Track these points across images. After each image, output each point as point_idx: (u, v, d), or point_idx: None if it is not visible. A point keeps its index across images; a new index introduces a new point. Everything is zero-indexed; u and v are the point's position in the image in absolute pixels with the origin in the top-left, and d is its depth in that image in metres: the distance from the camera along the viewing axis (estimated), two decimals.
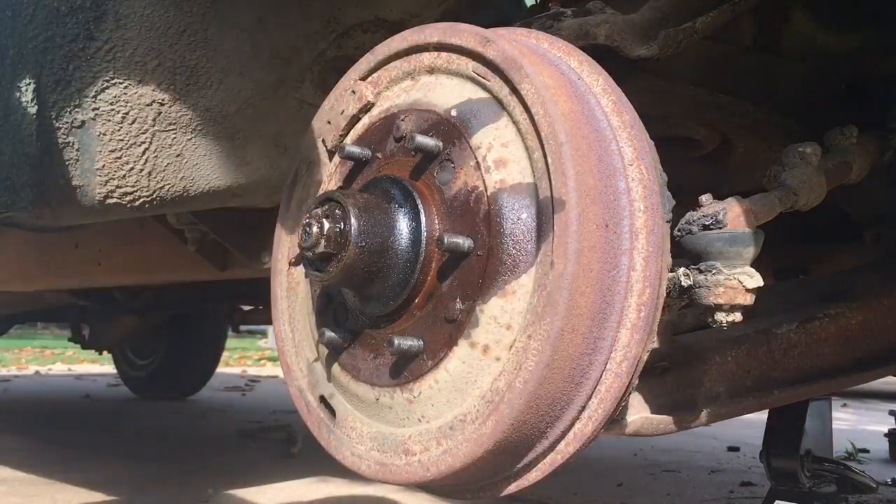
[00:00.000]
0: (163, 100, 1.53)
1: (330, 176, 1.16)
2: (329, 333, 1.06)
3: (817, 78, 1.57)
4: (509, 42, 0.98)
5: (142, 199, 1.59)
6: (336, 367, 1.08)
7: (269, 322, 1.21)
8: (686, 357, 1.22)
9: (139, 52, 1.47)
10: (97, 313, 4.97)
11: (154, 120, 1.54)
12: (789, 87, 1.54)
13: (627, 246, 0.91)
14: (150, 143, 1.55)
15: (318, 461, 2.91)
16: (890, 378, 1.71)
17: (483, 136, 0.96)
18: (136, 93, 1.50)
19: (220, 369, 6.10)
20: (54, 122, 1.47)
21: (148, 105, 1.52)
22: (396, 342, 0.95)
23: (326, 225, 0.97)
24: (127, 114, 1.51)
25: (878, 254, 1.67)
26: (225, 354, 7.00)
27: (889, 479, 3.13)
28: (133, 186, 1.57)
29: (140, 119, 1.52)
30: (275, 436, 3.69)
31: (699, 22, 1.24)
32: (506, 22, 1.22)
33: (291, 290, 1.19)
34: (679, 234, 1.08)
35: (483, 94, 0.99)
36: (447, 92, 1.02)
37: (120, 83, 1.48)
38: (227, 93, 1.58)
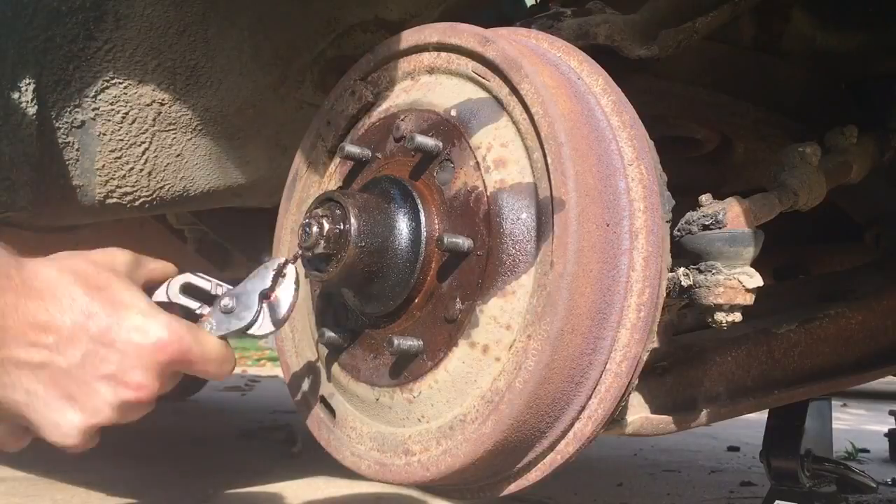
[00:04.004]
0: (163, 100, 1.53)
1: (330, 176, 1.16)
2: (329, 333, 1.06)
3: (817, 78, 1.57)
4: (509, 42, 0.98)
5: (142, 199, 1.59)
6: (336, 367, 1.08)
7: None
8: (686, 357, 1.22)
9: (139, 52, 1.47)
10: None
11: (154, 120, 1.54)
12: (789, 87, 1.54)
13: (627, 246, 0.91)
14: (150, 142, 1.55)
15: (318, 461, 2.91)
16: (890, 378, 1.71)
17: (483, 136, 0.96)
18: (136, 93, 1.50)
19: None
20: (54, 122, 1.47)
21: (148, 105, 1.52)
22: (396, 342, 0.95)
23: (326, 225, 0.97)
24: (127, 114, 1.51)
25: (878, 254, 1.67)
26: None
27: (889, 479, 3.13)
28: (133, 186, 1.57)
29: (140, 119, 1.52)
30: (275, 436, 3.68)
31: (699, 22, 1.24)
32: (506, 22, 1.22)
33: None
34: (679, 234, 1.08)
35: (483, 94, 0.99)
36: (447, 92, 1.02)
37: (120, 83, 1.48)
38: (227, 93, 1.58)
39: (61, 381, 0.88)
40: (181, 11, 1.47)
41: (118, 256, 0.97)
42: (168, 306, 1.00)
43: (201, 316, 1.01)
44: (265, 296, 1.00)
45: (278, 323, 1.00)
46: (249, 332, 1.00)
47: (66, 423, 0.90)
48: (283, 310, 1.00)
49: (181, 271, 1.05)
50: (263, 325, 1.00)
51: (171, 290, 1.02)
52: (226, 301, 1.00)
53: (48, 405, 0.89)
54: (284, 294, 1.00)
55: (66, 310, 0.88)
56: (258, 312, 0.99)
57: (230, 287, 1.03)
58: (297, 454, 3.28)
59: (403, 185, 1.00)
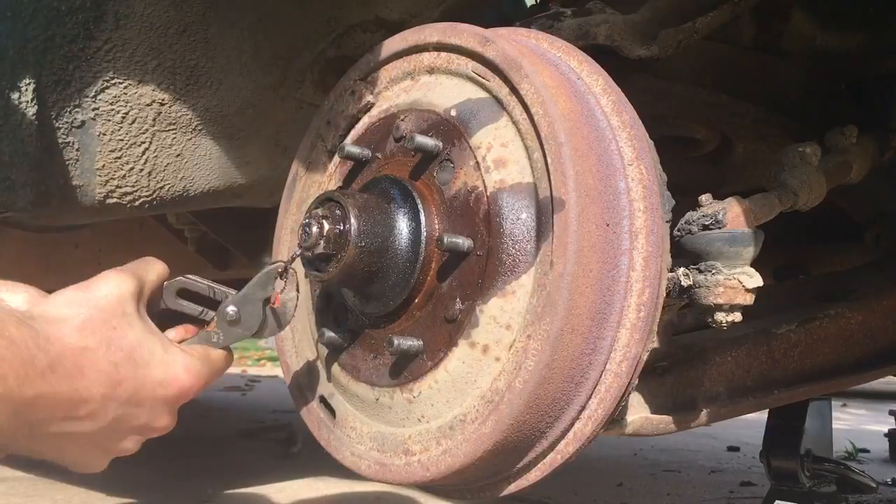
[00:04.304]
0: (163, 100, 1.53)
1: (330, 176, 1.16)
2: (329, 333, 1.06)
3: (817, 78, 1.57)
4: (509, 42, 0.98)
5: (142, 199, 1.59)
6: (336, 367, 1.08)
7: None
8: (686, 357, 1.22)
9: (139, 52, 1.47)
10: None
11: (154, 120, 1.54)
12: (789, 87, 1.54)
13: (627, 246, 0.91)
14: (150, 143, 1.55)
15: (318, 461, 2.91)
16: (890, 378, 1.71)
17: (483, 135, 0.96)
18: (136, 93, 1.50)
19: None
20: (54, 122, 1.47)
21: (148, 105, 1.52)
22: (396, 342, 0.95)
23: (326, 225, 0.97)
24: (127, 114, 1.51)
25: (878, 254, 1.67)
26: None
27: (889, 479, 3.13)
28: (133, 186, 1.57)
29: (140, 119, 1.52)
30: (275, 436, 3.68)
31: (699, 22, 1.24)
32: (506, 22, 1.22)
33: None
34: (679, 234, 1.08)
35: (483, 94, 0.99)
36: (447, 92, 1.02)
37: (120, 83, 1.48)
38: (227, 93, 1.58)
39: (94, 439, 0.93)
40: (181, 11, 1.47)
41: (124, 289, 0.97)
42: (171, 313, 1.02)
43: (205, 323, 1.02)
44: (268, 301, 1.01)
45: (282, 325, 1.03)
46: (254, 336, 1.03)
47: (97, 464, 0.98)
48: (286, 313, 1.02)
49: (176, 273, 1.05)
50: (269, 331, 1.03)
51: (168, 299, 1.03)
52: (230, 310, 1.01)
53: (82, 455, 0.96)
54: (287, 298, 1.02)
55: (94, 383, 0.91)
56: (263, 319, 1.01)
57: (225, 289, 1.03)
58: (297, 454, 3.28)
59: (403, 185, 1.00)
